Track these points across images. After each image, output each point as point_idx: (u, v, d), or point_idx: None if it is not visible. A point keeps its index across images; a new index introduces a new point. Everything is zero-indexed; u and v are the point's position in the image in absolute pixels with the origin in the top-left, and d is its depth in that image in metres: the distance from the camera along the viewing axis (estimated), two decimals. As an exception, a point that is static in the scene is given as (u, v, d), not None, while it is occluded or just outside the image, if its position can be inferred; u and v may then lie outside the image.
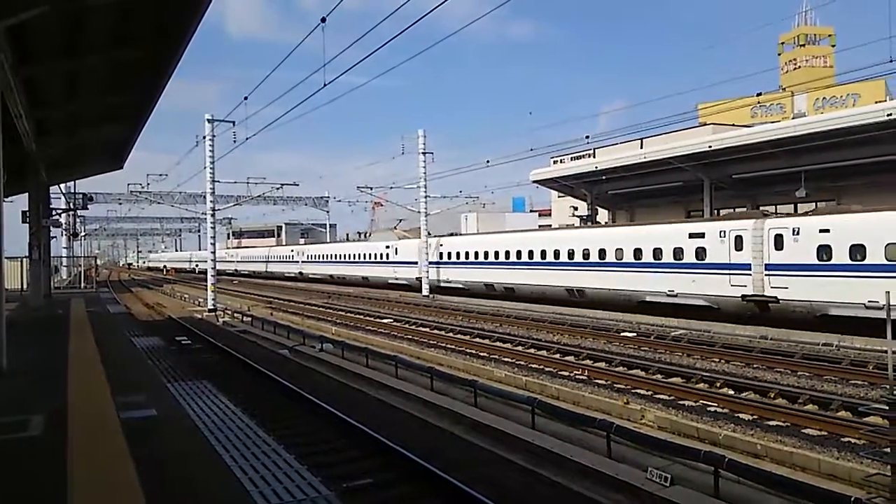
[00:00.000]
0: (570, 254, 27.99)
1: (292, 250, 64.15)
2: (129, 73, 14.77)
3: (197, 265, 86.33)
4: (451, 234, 42.93)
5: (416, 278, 38.11)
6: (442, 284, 37.09)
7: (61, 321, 17.28)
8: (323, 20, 14.92)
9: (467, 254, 35.56)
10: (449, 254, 36.98)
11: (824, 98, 54.65)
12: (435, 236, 39.26)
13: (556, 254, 28.91)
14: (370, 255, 46.11)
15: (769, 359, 15.05)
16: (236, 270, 76.79)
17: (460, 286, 35.78)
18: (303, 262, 59.79)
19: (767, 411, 10.60)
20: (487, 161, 37.96)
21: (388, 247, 43.56)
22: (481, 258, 34.37)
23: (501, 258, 32.61)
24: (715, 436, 9.38)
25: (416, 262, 38.73)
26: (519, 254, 31.33)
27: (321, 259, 56.18)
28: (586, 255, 27.13)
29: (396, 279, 41.71)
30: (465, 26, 61.05)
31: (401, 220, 51.64)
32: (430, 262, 37.32)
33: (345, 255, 50.88)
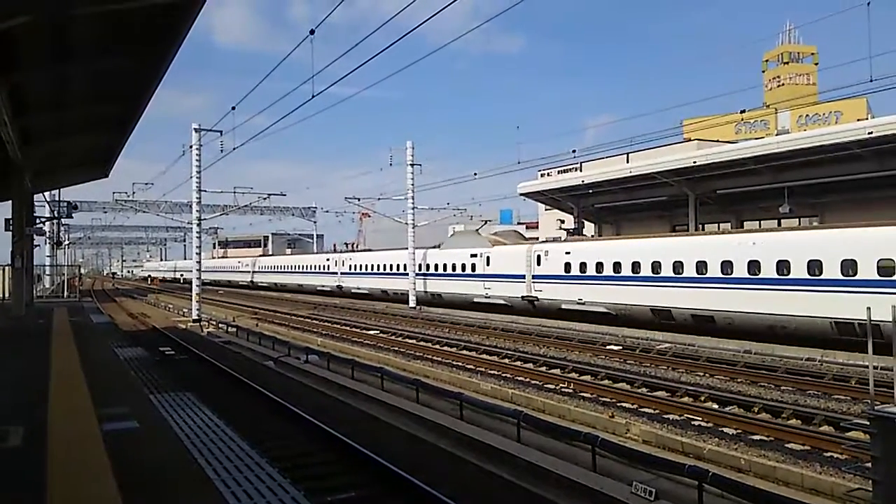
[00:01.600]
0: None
1: (328, 259, 53.81)
2: (115, 81, 14.71)
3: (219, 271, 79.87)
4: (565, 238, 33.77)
5: (524, 297, 29.74)
6: (563, 307, 27.77)
7: (43, 331, 17.07)
8: (312, 32, 14.96)
9: (617, 265, 25.47)
10: (581, 265, 26.94)
11: (807, 115, 55.38)
12: (549, 241, 32.53)
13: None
14: (442, 265, 37.13)
15: (753, 373, 15.15)
16: (252, 282, 69.78)
17: (605, 311, 25.67)
18: (343, 273, 49.49)
19: (751, 425, 10.66)
20: (475, 173, 38.18)
21: (474, 255, 34.03)
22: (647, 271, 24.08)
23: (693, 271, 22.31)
24: (699, 450, 9.41)
25: (522, 277, 29.87)
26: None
27: (370, 270, 45.71)
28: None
29: (488, 298, 32.58)
30: (453, 40, 61.50)
31: (487, 222, 47.45)
32: (536, 276, 29.44)
33: (401, 267, 40.18)
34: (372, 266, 45.71)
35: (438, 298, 36.94)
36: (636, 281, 24.42)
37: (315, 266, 55.25)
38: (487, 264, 32.95)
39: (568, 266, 27.74)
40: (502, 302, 31.56)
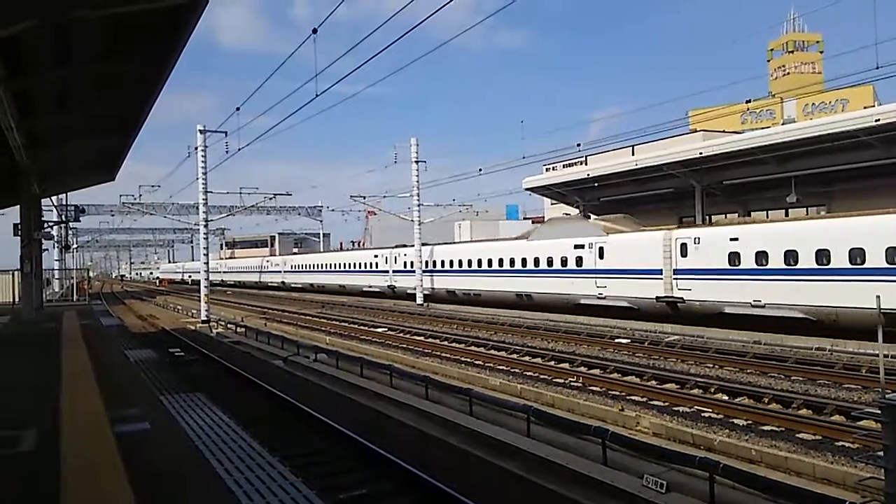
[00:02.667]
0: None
1: (377, 255, 45.59)
2: (120, 84, 14.76)
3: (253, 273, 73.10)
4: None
5: (661, 298, 23.39)
6: (728, 310, 21.59)
7: (53, 334, 17.16)
8: (314, 31, 14.98)
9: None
10: (759, 255, 20.88)
11: (813, 104, 55.10)
12: (695, 226, 25.98)
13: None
14: (533, 260, 30.35)
15: (763, 364, 15.11)
16: (283, 283, 63.97)
17: (801, 316, 19.45)
18: (397, 271, 42.86)
19: (762, 416, 10.63)
20: (480, 169, 38.05)
21: (580, 246, 27.27)
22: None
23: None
24: (710, 441, 9.40)
25: (656, 272, 23.51)
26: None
27: (439, 267, 38.33)
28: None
29: (602, 299, 26.04)
30: (455, 36, 61.34)
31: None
32: (680, 271, 23.01)
33: (490, 262, 33.55)
34: (443, 262, 38.27)
35: (527, 300, 30.39)
36: (864, 275, 17.98)
37: (361, 264, 48.05)
38: (600, 257, 26.17)
39: (735, 257, 21.43)
40: (625, 304, 24.97)
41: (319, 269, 55.98)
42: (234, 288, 72.81)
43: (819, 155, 25.44)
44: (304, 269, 59.48)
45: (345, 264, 50.98)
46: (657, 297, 23.58)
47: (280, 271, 64.47)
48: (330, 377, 15.70)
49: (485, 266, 33.90)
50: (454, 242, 46.93)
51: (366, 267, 46.78)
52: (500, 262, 32.56)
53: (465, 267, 36.19)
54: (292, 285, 60.73)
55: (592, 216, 41.46)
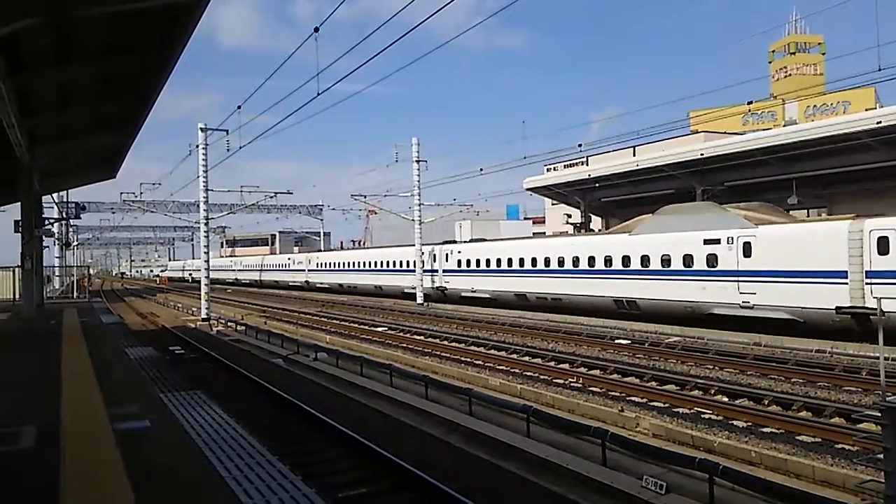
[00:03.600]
0: None
1: (422, 252, 38.55)
2: (121, 82, 14.78)
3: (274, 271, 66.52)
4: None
5: (844, 309, 18.03)
6: None
7: (54, 331, 17.18)
8: (316, 30, 14.98)
9: None
10: None
11: (815, 106, 55.13)
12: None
13: None
14: (639, 258, 24.52)
15: (763, 366, 15.10)
16: (307, 282, 58.01)
17: None
18: (448, 270, 37.14)
19: (762, 418, 10.62)
20: (481, 169, 38.07)
21: (714, 241, 21.63)
22: None
23: None
24: (710, 443, 9.39)
25: (837, 275, 18.34)
26: None
27: (498, 267, 32.83)
28: None
29: (749, 308, 20.44)
30: (456, 36, 61.35)
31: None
32: (879, 274, 17.62)
33: (568, 261, 28.01)
34: (488, 261, 33.43)
35: (629, 308, 24.72)
36: None
37: (403, 262, 42.03)
38: (746, 254, 20.71)
39: None
40: (784, 316, 19.59)
41: (351, 267, 50.14)
42: (252, 288, 69.80)
43: (821, 157, 25.44)
44: (332, 268, 53.71)
45: (382, 262, 44.73)
46: (838, 308, 18.18)
47: (304, 270, 59.36)
48: (330, 376, 15.71)
49: (567, 265, 28.02)
50: (503, 239, 41.21)
51: (409, 265, 40.52)
52: (591, 260, 26.66)
53: (528, 266, 30.39)
54: (318, 285, 55.61)
55: (593, 217, 41.61)
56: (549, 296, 28.92)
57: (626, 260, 25.14)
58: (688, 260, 22.63)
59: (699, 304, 22.01)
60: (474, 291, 34.20)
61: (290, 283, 61.29)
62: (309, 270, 58.00)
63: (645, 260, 24.32)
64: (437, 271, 38.14)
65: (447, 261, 37.21)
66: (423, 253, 38.37)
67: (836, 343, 16.85)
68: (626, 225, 27.22)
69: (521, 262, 31.03)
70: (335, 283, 52.48)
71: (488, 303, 32.69)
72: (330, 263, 54.36)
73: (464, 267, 35.44)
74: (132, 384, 10.18)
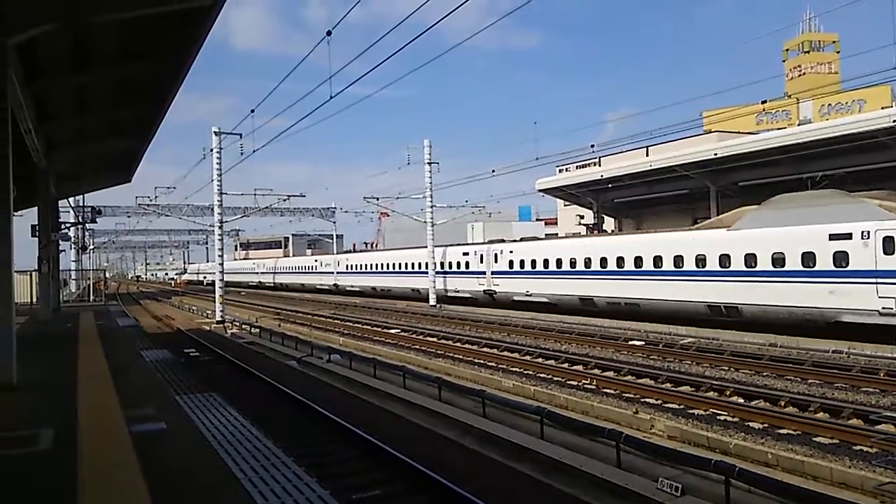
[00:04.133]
0: None
1: (475, 252, 36.24)
2: (136, 87, 14.91)
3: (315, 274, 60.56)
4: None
5: None
6: None
7: (70, 335, 17.35)
8: (329, 33, 15.03)
9: None
10: None
11: (830, 104, 54.66)
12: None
13: None
14: (752, 257, 21.05)
15: (779, 367, 14.97)
16: (336, 286, 54.08)
17: None
18: (496, 273, 33.81)
19: (778, 420, 10.54)
20: (493, 170, 37.92)
21: (843, 237, 18.71)
22: None
23: None
24: (725, 445, 9.33)
25: None
26: None
27: (580, 269, 28.08)
28: None
29: (893, 312, 17.40)
30: (469, 37, 61.42)
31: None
32: None
33: (674, 260, 23.76)
34: (567, 261, 28.84)
35: (728, 314, 21.80)
36: None
37: (445, 263, 38.49)
38: (887, 251, 17.75)
39: None
40: None
41: (384, 269, 47.06)
42: (267, 291, 68.67)
43: (836, 156, 25.23)
44: (364, 270, 50.46)
45: (421, 265, 41.04)
46: None
47: (332, 272, 55.69)
48: (343, 378, 15.75)
49: (647, 265, 24.68)
50: (564, 236, 37.81)
51: (451, 267, 38.03)
52: (678, 260, 23.46)
53: (596, 267, 26.85)
54: (347, 289, 52.38)
55: (606, 218, 41.44)
56: (623, 300, 25.55)
57: (724, 259, 21.97)
58: (808, 259, 19.48)
59: (824, 310, 19.01)
60: (529, 295, 30.87)
61: (318, 287, 58.33)
62: (338, 273, 54.99)
63: (750, 259, 21.13)
64: (484, 273, 34.90)
65: (496, 261, 33.85)
66: (472, 254, 36.46)
67: (852, 343, 16.68)
68: (721, 219, 24.32)
69: (588, 262, 27.49)
70: (367, 286, 49.10)
71: (546, 308, 29.54)
72: (362, 265, 51.18)
73: (517, 268, 32.13)
74: (148, 387, 10.27)
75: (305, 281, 62.19)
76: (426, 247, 38.78)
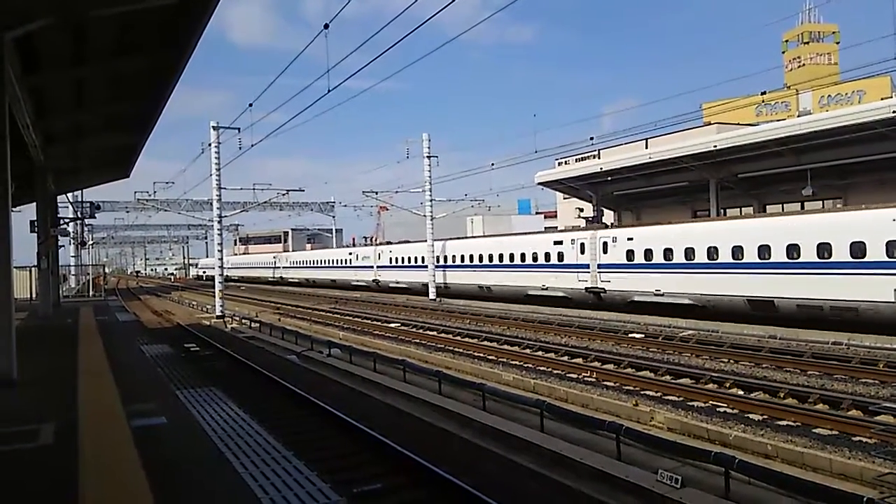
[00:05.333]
0: None
1: (568, 240, 29.41)
2: (134, 81, 14.87)
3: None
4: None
5: None
6: None
7: (70, 330, 17.36)
8: (326, 26, 14.98)
9: None
10: None
11: (829, 95, 54.52)
12: None
13: None
14: None
15: (778, 358, 14.99)
16: (376, 282, 48.12)
17: None
18: (604, 266, 27.01)
19: (777, 411, 10.55)
20: (492, 164, 37.87)
21: None
22: None
23: None
24: (725, 437, 9.34)
25: None
26: None
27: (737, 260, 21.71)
28: None
29: None
30: (465, 31, 61.18)
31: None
32: None
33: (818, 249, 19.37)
34: (727, 249, 22.02)
35: None
36: None
37: (527, 255, 31.79)
38: None
39: None
40: None
41: (447, 263, 39.28)
42: (265, 286, 66.99)
43: (835, 147, 25.20)
44: (411, 265, 43.18)
45: (489, 256, 34.50)
46: None
47: (371, 266, 49.16)
48: (344, 372, 15.76)
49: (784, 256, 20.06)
50: (716, 219, 28.02)
51: (538, 260, 31.09)
52: (827, 249, 18.96)
53: (781, 257, 20.16)
54: (390, 285, 45.94)
55: (605, 211, 41.36)
56: (832, 304, 18.85)
57: None
58: None
59: None
60: (660, 295, 24.27)
61: (354, 283, 51.45)
62: (378, 267, 48.26)
63: None
64: (585, 266, 27.95)
65: (606, 251, 26.92)
66: (568, 243, 29.26)
67: (852, 335, 16.70)
68: None
69: (766, 250, 20.70)
70: (415, 282, 41.73)
71: (681, 311, 23.06)
72: (411, 258, 43.43)
73: (639, 260, 25.29)
74: (148, 381, 10.28)
75: (338, 277, 55.36)
76: (539, 231, 32.88)
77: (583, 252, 28.19)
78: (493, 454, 9.13)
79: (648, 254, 25.08)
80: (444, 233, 42.80)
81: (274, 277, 72.52)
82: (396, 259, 45.40)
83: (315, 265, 62.02)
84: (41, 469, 5.64)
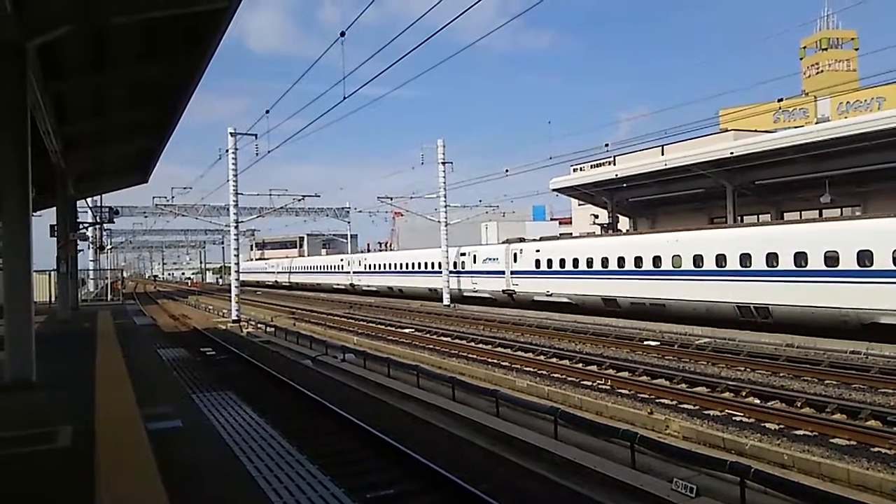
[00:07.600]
0: None
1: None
2: (153, 87, 15.05)
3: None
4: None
5: None
6: None
7: (88, 333, 17.53)
8: (342, 34, 15.07)
9: None
10: None
11: (848, 102, 53.93)
12: None
13: None
14: None
15: (796, 367, 14.83)
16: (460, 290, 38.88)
17: None
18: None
19: (794, 420, 10.44)
20: (506, 170, 37.79)
21: None
22: None
23: None
24: (741, 446, 9.26)
25: None
26: None
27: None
28: None
29: None
30: (481, 38, 61.34)
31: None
32: None
33: None
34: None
35: None
36: None
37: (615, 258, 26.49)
38: None
39: None
40: None
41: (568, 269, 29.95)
42: (282, 290, 65.73)
43: (854, 154, 24.95)
44: (484, 271, 37.07)
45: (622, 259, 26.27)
46: None
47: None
48: (358, 377, 15.81)
49: None
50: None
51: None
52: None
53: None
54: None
55: (620, 217, 41.19)
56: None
57: None
58: None
59: None
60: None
61: (418, 290, 43.70)
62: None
63: None
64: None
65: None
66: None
67: (871, 344, 16.49)
68: None
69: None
70: (497, 289, 35.50)
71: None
72: (487, 258, 37.21)
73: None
74: (165, 385, 10.36)
75: (398, 283, 47.42)
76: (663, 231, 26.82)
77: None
78: (508, 461, 9.11)
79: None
80: (459, 239, 42.68)
81: (310, 283, 65.19)
82: (476, 258, 38.94)
83: (381, 270, 51.43)
84: (59, 471, 5.70)
